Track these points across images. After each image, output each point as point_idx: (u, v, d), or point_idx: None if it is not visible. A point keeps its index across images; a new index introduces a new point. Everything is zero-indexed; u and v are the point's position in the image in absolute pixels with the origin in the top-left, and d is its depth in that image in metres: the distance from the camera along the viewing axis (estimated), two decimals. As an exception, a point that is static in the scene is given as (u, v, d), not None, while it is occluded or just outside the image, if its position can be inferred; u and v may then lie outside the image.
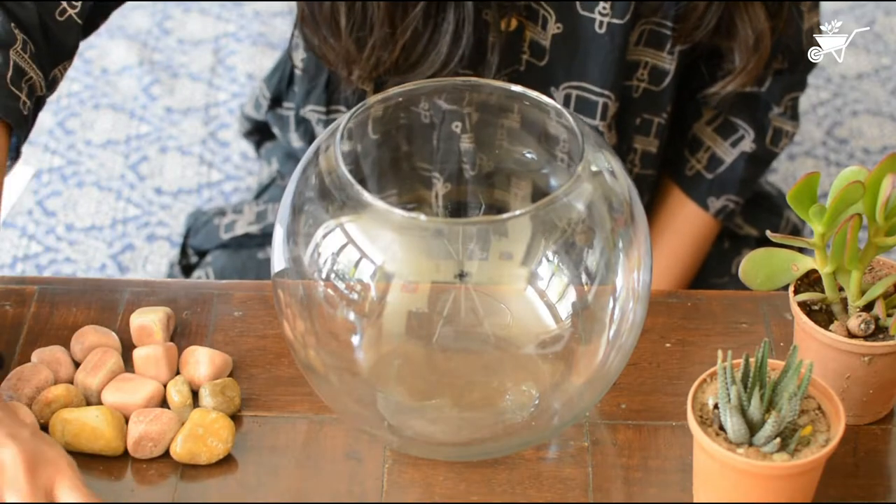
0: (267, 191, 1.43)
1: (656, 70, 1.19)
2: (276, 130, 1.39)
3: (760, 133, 1.27)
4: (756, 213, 1.35)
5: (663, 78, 1.19)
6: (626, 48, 1.16)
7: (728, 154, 1.27)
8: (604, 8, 1.13)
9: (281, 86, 1.36)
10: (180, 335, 1.00)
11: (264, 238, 1.33)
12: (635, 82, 1.18)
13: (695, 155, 1.27)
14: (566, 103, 1.17)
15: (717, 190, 1.27)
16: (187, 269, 1.40)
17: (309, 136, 1.31)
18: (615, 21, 1.13)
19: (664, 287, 1.27)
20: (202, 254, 1.38)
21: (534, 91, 0.91)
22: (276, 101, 1.37)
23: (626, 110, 1.21)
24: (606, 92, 1.17)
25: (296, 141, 1.33)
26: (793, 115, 1.29)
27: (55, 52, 1.01)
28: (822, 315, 0.91)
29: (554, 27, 1.14)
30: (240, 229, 1.35)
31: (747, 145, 1.27)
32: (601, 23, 1.13)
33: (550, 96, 1.16)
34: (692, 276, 1.30)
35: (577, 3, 1.13)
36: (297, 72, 1.26)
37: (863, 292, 0.90)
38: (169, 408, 0.94)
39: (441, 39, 1.11)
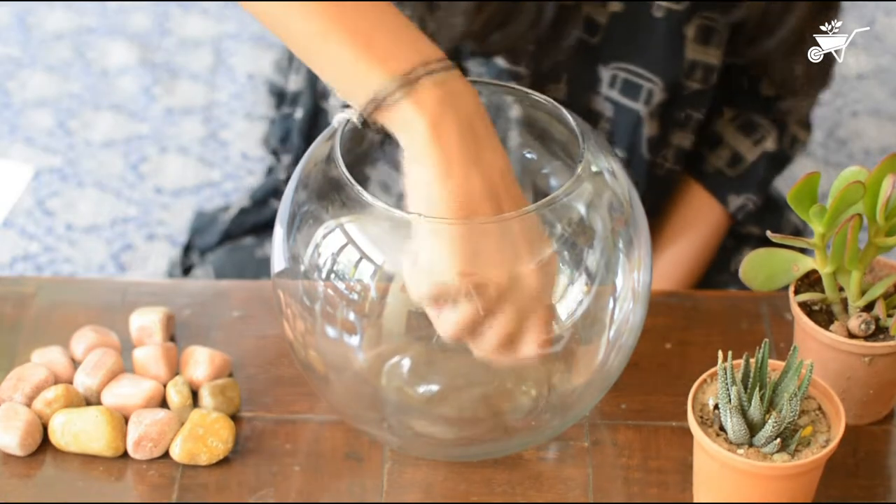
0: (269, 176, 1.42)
1: (708, 67, 1.18)
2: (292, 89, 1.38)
3: (781, 134, 1.27)
4: (758, 213, 1.35)
5: (712, 74, 1.19)
6: (682, 40, 1.15)
7: (751, 152, 1.27)
8: None
9: None
10: (180, 335, 1.00)
11: (259, 211, 1.32)
12: (692, 82, 1.18)
13: (715, 152, 1.27)
14: (612, 83, 1.16)
15: (737, 187, 1.27)
16: (188, 270, 1.40)
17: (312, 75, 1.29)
18: (673, 7, 1.13)
19: (674, 282, 1.27)
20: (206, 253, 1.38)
21: (534, 91, 0.91)
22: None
23: (675, 105, 1.20)
24: (655, 78, 1.16)
25: (293, 84, 1.31)
26: (806, 125, 1.31)
27: None
28: (823, 315, 0.91)
29: (614, 5, 1.13)
30: (235, 209, 1.35)
31: (770, 144, 1.27)
32: (659, 6, 1.13)
33: (597, 74, 1.15)
34: (702, 273, 1.30)
35: None
36: None
37: (863, 292, 0.90)
38: (169, 408, 0.94)
39: (521, 17, 1.09)
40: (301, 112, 1.30)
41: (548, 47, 1.13)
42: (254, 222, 1.33)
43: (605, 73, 1.17)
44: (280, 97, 1.43)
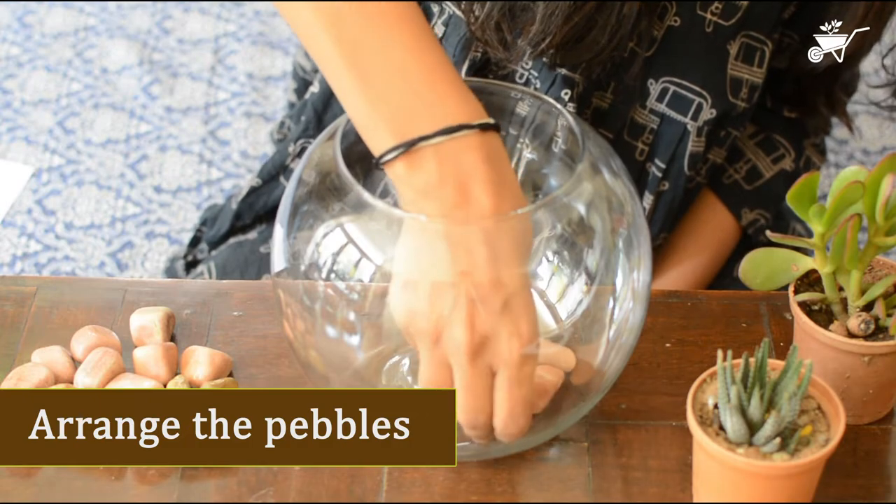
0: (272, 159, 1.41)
1: (753, 86, 1.18)
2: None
3: (798, 156, 1.27)
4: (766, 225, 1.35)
5: (755, 93, 1.19)
6: (727, 55, 1.15)
7: (769, 169, 1.26)
8: (716, 8, 1.12)
9: None
10: (180, 335, 1.00)
11: (269, 191, 1.31)
12: (737, 100, 1.18)
13: (733, 165, 1.27)
14: (661, 97, 1.16)
15: (752, 202, 1.27)
16: (191, 265, 1.39)
17: None
18: (721, 22, 1.13)
19: (680, 289, 1.26)
20: (214, 247, 1.37)
21: (533, 91, 0.91)
22: None
23: (722, 123, 1.20)
24: (704, 92, 1.15)
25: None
26: (821, 150, 1.31)
27: None
28: (822, 315, 0.91)
29: (671, 19, 1.13)
30: (245, 190, 1.34)
31: (788, 164, 1.27)
32: (710, 22, 1.13)
33: (646, 86, 1.15)
34: (708, 283, 1.29)
35: (698, 2, 1.13)
36: None
37: (863, 292, 0.90)
38: (169, 407, 0.94)
39: (602, 29, 1.09)
40: (317, 87, 1.30)
41: (605, 57, 1.13)
42: (264, 203, 1.33)
43: (655, 88, 1.16)
44: (304, 84, 1.43)
